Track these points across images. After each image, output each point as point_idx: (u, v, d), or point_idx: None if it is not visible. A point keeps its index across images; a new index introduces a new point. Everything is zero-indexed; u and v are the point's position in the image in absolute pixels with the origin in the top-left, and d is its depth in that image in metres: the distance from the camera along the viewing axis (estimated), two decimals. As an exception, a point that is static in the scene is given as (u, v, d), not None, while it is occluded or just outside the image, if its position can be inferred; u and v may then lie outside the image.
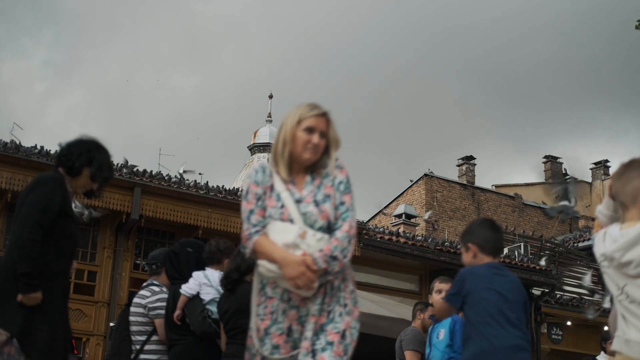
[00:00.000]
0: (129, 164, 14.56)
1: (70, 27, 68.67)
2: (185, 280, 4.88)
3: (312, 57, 68.56)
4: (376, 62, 64.49)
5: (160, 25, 67.70)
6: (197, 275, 4.85)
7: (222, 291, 4.72)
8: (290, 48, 68.43)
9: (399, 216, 23.90)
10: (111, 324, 10.97)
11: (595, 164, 31.21)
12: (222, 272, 4.88)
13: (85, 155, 3.69)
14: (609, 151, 63.45)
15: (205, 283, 4.80)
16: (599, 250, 3.09)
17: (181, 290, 4.77)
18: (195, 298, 4.76)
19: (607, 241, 3.05)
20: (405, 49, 66.12)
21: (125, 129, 67.06)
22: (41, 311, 3.37)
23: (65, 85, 69.53)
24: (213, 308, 4.72)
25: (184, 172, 14.96)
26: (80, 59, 67.43)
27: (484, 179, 61.67)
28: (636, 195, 2.97)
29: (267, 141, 25.19)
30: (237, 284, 4.52)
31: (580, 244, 23.05)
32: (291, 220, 3.07)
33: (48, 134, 66.02)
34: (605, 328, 21.44)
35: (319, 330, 2.94)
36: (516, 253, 19.77)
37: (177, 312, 4.77)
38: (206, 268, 4.94)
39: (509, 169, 63.25)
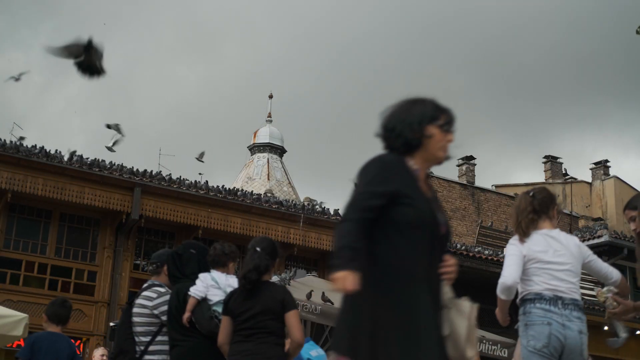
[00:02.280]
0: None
1: (71, 17, 68.42)
2: (188, 280, 4.92)
3: (309, 49, 68.32)
4: (371, 56, 64.15)
5: (163, 15, 67.40)
6: (204, 277, 4.89)
7: (229, 292, 4.79)
8: (289, 39, 68.16)
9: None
10: (111, 324, 10.96)
11: (596, 164, 31.20)
12: (227, 275, 4.93)
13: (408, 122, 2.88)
14: (615, 144, 63.09)
15: (212, 285, 4.85)
16: None
17: (191, 293, 4.80)
18: (203, 300, 4.80)
19: None
20: (401, 41, 65.75)
21: (126, 120, 66.91)
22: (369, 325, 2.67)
23: (65, 76, 69.36)
24: (219, 309, 4.75)
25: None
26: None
27: (484, 179, 61.59)
28: None
29: (267, 141, 25.17)
30: (256, 284, 4.58)
31: (580, 244, 23.04)
32: None
33: (47, 127, 65.80)
34: (605, 328, 21.56)
35: None
36: (516, 253, 19.75)
37: (188, 315, 4.79)
38: (211, 270, 4.97)
39: (511, 164, 63.10)
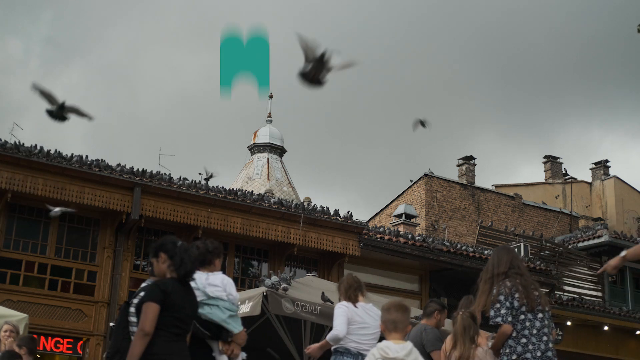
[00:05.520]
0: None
1: (71, 4, 68.07)
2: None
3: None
4: (369, 48, 63.75)
5: (165, 2, 66.93)
6: None
7: (209, 293, 4.78)
8: (290, 27, 67.47)
9: (399, 216, 23.90)
10: (111, 324, 10.95)
11: (596, 163, 31.22)
12: (208, 274, 4.91)
13: None
14: (625, 131, 62.49)
15: (193, 287, 4.84)
16: None
17: None
18: None
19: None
20: (399, 31, 65.15)
21: (126, 110, 66.50)
22: None
23: (66, 65, 69.05)
24: (200, 310, 4.74)
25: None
26: (81, 37, 67.02)
27: (485, 173, 61.32)
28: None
29: (267, 141, 25.15)
30: (188, 284, 4.52)
31: (580, 244, 23.04)
32: None
33: (46, 117, 65.42)
34: (605, 328, 21.43)
35: None
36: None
37: None
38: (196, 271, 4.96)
39: (512, 156, 62.79)
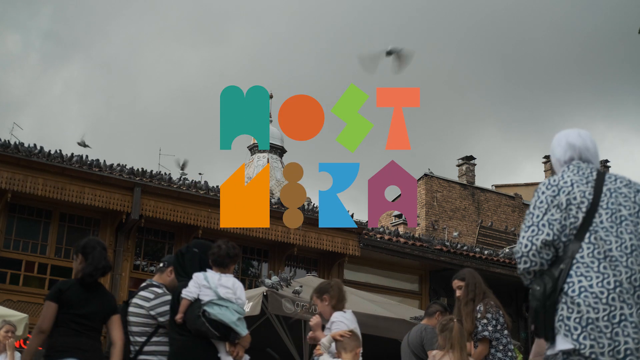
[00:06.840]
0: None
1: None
2: (190, 279, 4.95)
3: (309, 36, 67.92)
4: (368, 42, 63.65)
5: None
6: (197, 277, 4.90)
7: (220, 294, 4.80)
8: (290, 24, 67.75)
9: (399, 216, 23.91)
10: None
11: (595, 163, 31.23)
12: (221, 274, 4.93)
13: None
14: (629, 127, 62.34)
15: (204, 285, 4.85)
16: None
17: (183, 295, 4.83)
18: (195, 300, 4.82)
19: None
20: (396, 24, 65.08)
21: (126, 105, 66.60)
22: None
23: (66, 59, 69.10)
24: (210, 309, 4.76)
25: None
26: (82, 31, 67.14)
27: (485, 176, 61.30)
28: None
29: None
30: (95, 284, 4.83)
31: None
32: None
33: (47, 112, 65.64)
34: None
35: None
36: (516, 253, 19.74)
37: (180, 316, 4.82)
38: (208, 270, 4.97)
39: (513, 153, 62.74)
